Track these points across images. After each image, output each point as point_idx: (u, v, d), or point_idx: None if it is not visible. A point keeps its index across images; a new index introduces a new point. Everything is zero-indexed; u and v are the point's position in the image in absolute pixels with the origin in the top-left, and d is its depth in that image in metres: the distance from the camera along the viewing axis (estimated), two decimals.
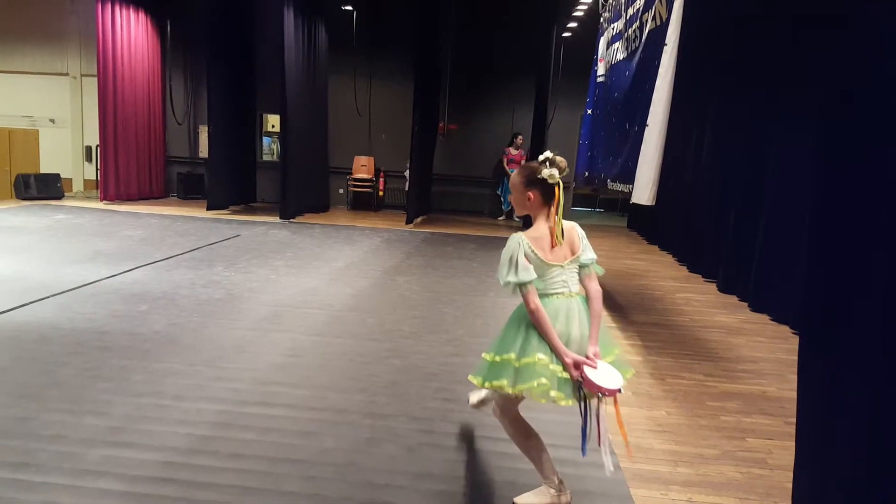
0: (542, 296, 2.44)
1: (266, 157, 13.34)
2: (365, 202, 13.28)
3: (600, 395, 2.37)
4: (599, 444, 2.45)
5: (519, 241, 2.43)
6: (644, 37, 5.09)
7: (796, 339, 5.26)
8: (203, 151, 13.06)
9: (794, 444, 3.30)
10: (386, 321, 5.22)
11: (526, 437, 2.71)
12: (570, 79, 11.65)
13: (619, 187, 5.69)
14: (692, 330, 5.61)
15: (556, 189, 2.47)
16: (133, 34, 12.04)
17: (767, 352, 5.07)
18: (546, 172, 2.44)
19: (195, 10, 11.98)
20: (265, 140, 13.61)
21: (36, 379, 3.62)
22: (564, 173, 2.49)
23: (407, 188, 12.03)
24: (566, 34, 11.33)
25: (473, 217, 13.01)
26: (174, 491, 2.58)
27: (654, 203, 4.56)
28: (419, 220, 11.70)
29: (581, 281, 2.56)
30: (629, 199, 5.08)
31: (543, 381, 2.34)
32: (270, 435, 3.11)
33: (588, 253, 2.55)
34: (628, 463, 3.05)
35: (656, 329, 5.53)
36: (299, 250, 8.28)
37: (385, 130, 13.32)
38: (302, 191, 11.48)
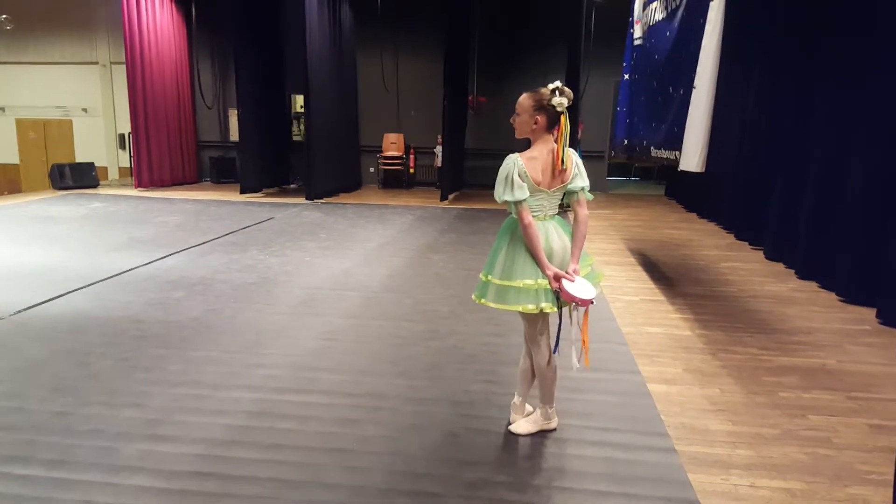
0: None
1: (297, 139, 13.26)
2: (396, 180, 13.15)
3: (575, 304, 2.67)
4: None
5: (514, 161, 2.62)
6: None
7: (851, 308, 5.08)
8: (234, 135, 13.06)
9: (860, 421, 3.10)
10: (422, 301, 5.09)
11: (549, 363, 2.86)
12: (603, 45, 11.23)
13: (665, 154, 5.41)
14: (742, 301, 5.36)
15: (562, 117, 2.62)
16: (158, 20, 12.01)
17: (822, 322, 4.80)
18: (556, 100, 2.60)
19: None
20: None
21: (73, 371, 3.60)
22: (570, 104, 2.63)
23: (439, 164, 11.84)
24: None
25: None
26: (213, 486, 2.50)
27: (703, 170, 4.30)
28: (452, 196, 11.52)
29: (571, 205, 2.76)
30: (675, 166, 4.81)
31: (530, 306, 2.63)
32: (309, 423, 3.02)
33: (579, 181, 2.72)
34: (685, 446, 2.88)
35: (704, 301, 5.30)
36: (332, 231, 8.20)
37: (413, 106, 13.10)
38: (332, 170, 11.39)
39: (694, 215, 10.22)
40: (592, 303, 2.65)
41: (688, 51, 4.44)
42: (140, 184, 12.00)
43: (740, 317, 4.90)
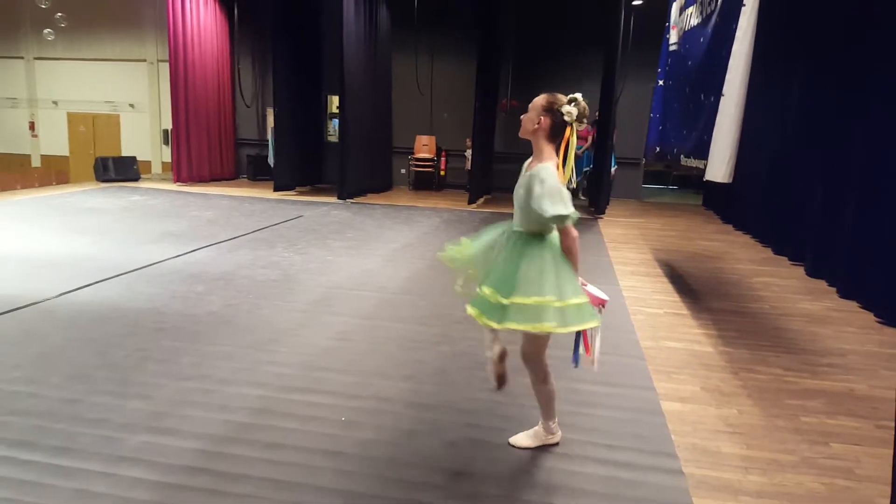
0: (548, 235, 2.63)
1: (332, 139, 13.39)
2: (426, 182, 13.15)
3: (600, 306, 2.67)
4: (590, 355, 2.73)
5: (553, 173, 2.51)
6: None
7: (889, 331, 4.83)
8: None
9: (889, 452, 2.93)
10: (438, 305, 5.06)
11: (546, 381, 2.80)
12: (641, 49, 11.02)
13: (694, 163, 5.27)
14: (772, 318, 5.16)
15: (568, 129, 2.55)
16: (202, 19, 12.28)
17: (857, 344, 4.59)
18: (566, 108, 2.53)
19: None
20: (334, 122, 13.66)
21: (89, 360, 3.67)
22: (583, 125, 2.57)
23: (468, 167, 11.80)
24: (636, 2, 10.69)
25: None
26: (206, 482, 2.51)
27: (730, 180, 4.16)
28: (481, 199, 11.46)
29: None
30: (703, 175, 4.67)
31: (594, 322, 2.57)
32: (311, 424, 3.01)
33: None
34: (693, 468, 2.77)
35: (732, 317, 5.12)
36: (358, 231, 8.23)
37: (446, 109, 13.08)
38: (364, 171, 11.45)
39: (730, 227, 9.93)
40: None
41: (719, 57, 4.30)
42: (179, 179, 12.27)
43: (768, 335, 4.72)
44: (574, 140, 2.58)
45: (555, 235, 2.64)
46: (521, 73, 12.81)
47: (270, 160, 12.96)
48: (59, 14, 12.15)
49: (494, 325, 2.55)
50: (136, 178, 12.57)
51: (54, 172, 13.52)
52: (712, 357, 4.19)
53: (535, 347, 2.72)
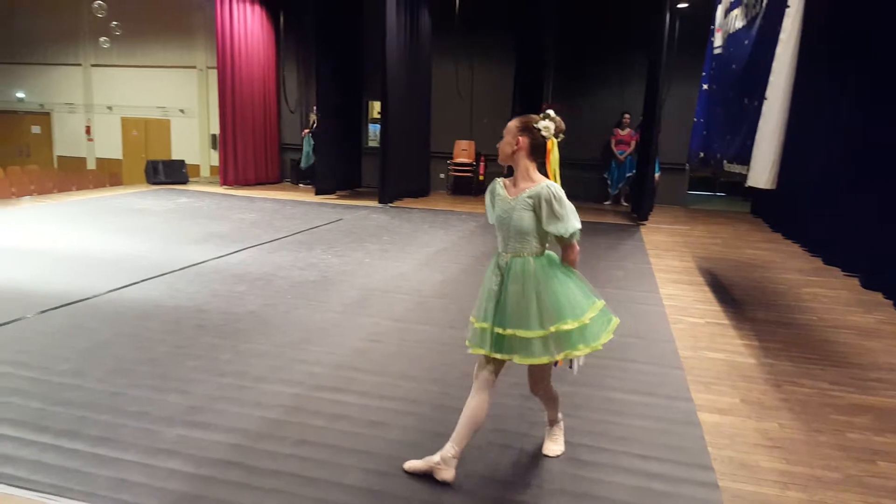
0: (551, 253, 2.61)
1: (372, 144, 13.54)
2: (465, 187, 13.15)
3: None
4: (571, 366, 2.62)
5: (562, 190, 2.49)
6: (766, 0, 4.50)
7: None
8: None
9: None
10: (469, 309, 4.98)
11: (556, 398, 2.84)
12: (686, 53, 10.81)
13: (737, 169, 5.13)
14: (819, 330, 4.98)
15: (548, 144, 2.50)
16: (249, 27, 12.58)
17: None
18: (542, 124, 2.49)
19: (307, 1, 12.30)
20: (372, 127, 13.81)
21: (132, 354, 3.80)
22: (560, 138, 2.52)
23: (506, 172, 11.74)
24: (682, 4, 10.49)
25: (576, 201, 12.27)
26: (238, 476, 2.56)
27: (773, 186, 4.03)
28: None
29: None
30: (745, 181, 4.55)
31: (613, 323, 2.58)
32: (339, 423, 3.04)
33: None
34: (729, 482, 2.69)
35: (776, 328, 4.96)
36: (395, 235, 8.29)
37: (486, 113, 13.06)
38: (402, 175, 11.52)
39: (779, 235, 9.62)
40: None
41: (764, 61, 4.18)
42: (225, 182, 12.58)
43: (814, 347, 4.55)
44: (556, 154, 2.51)
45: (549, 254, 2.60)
46: (562, 78, 12.70)
47: (303, 163, 13.16)
48: (115, 23, 12.64)
49: (537, 361, 2.49)
50: (184, 181, 12.94)
51: (108, 175, 14.05)
52: (754, 369, 4.06)
53: (544, 370, 2.69)
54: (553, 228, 2.46)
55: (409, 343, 4.21)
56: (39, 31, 15.33)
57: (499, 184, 2.61)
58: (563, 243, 2.55)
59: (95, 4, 12.08)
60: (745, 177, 4.74)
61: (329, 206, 10.79)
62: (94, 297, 4.92)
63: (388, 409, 3.20)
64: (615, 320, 2.60)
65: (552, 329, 2.44)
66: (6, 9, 14.81)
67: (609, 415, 3.24)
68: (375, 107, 13.16)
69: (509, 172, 2.63)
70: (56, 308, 4.59)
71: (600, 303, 2.58)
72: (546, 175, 2.55)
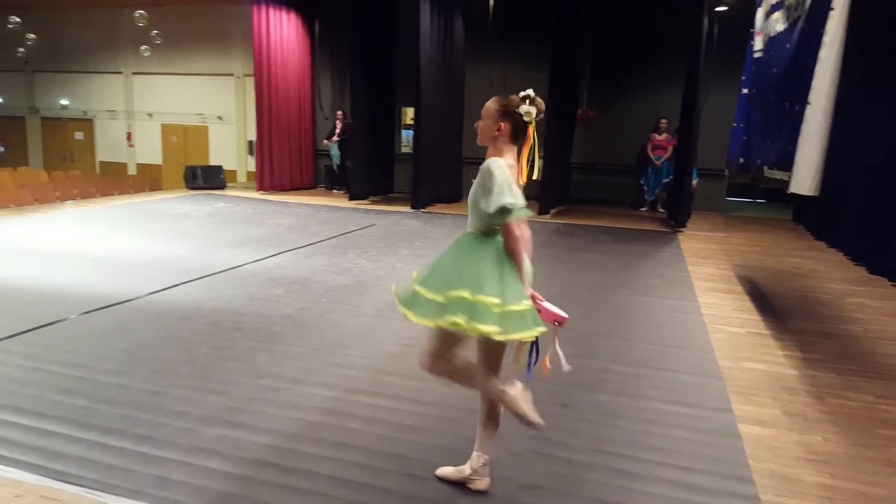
0: (485, 235, 2.41)
1: (405, 149, 13.62)
2: None
3: (556, 322, 2.44)
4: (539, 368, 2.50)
5: (503, 166, 2.31)
6: (808, 3, 4.40)
7: None
8: None
9: None
10: None
11: (472, 374, 2.49)
12: (725, 57, 10.62)
13: (778, 175, 5.02)
14: (865, 341, 4.83)
15: (529, 128, 2.41)
16: (285, 35, 12.78)
17: None
18: (524, 109, 2.39)
19: (341, 8, 12.46)
20: (405, 133, 13.88)
21: (173, 355, 3.88)
22: (540, 117, 2.42)
23: (540, 178, 11.67)
24: (721, 8, 10.33)
25: (612, 208, 12.35)
26: (275, 476, 2.60)
27: (816, 193, 3.94)
28: (554, 210, 11.33)
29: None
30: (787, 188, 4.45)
31: (541, 328, 2.33)
32: (375, 426, 3.06)
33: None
34: (771, 496, 2.63)
35: (819, 339, 4.83)
36: (428, 240, 8.31)
37: None
38: (435, 181, 11.55)
39: (822, 244, 9.31)
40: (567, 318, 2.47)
41: (806, 64, 4.09)
42: (261, 187, 12.78)
43: (860, 359, 4.41)
44: (536, 139, 2.43)
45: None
46: (598, 82, 12.62)
47: (335, 165, 13.28)
48: (155, 31, 13.00)
49: (427, 322, 2.32)
50: (222, 187, 13.19)
51: (148, 180, 14.39)
52: (796, 380, 3.96)
53: (489, 358, 2.51)
54: (482, 204, 2.30)
55: None
56: (83, 41, 15.84)
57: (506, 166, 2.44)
58: (494, 222, 2.34)
59: (137, 14, 12.44)
60: (786, 183, 4.63)
61: (362, 211, 10.88)
62: (136, 298, 5.04)
63: (423, 414, 3.20)
64: (537, 329, 2.32)
65: (448, 294, 2.28)
66: (51, 20, 15.33)
67: (647, 425, 3.20)
68: (408, 113, 13.24)
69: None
70: (99, 309, 4.72)
71: (523, 307, 2.31)
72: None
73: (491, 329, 2.21)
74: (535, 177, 2.43)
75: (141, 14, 12.49)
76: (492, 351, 2.49)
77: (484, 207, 2.29)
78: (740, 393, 3.70)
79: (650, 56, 11.95)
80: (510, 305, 2.26)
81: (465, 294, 2.25)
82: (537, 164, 2.48)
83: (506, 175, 2.29)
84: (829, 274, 7.28)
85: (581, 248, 8.18)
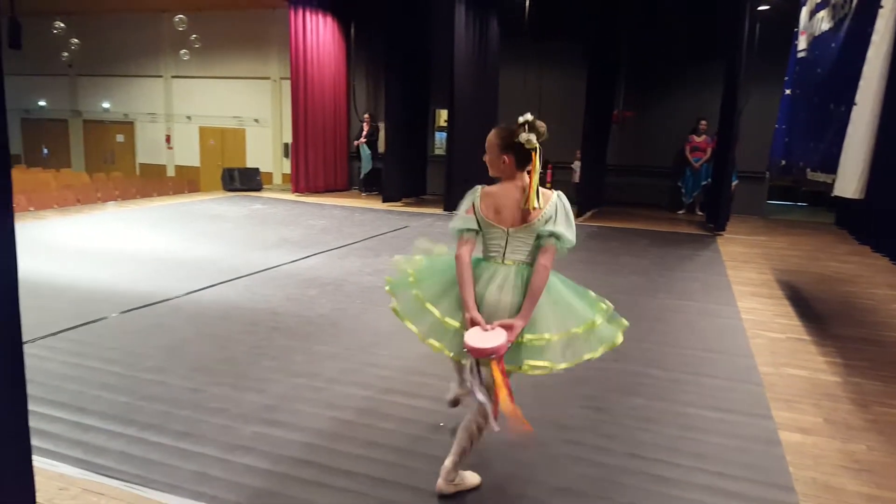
0: (480, 259, 2.48)
1: (438, 152, 13.65)
2: None
3: (490, 356, 2.23)
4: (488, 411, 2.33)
5: (474, 192, 2.49)
6: (855, 1, 4.27)
7: None
8: (382, 147, 13.69)
9: None
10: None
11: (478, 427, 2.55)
12: (766, 57, 10.40)
13: (821, 178, 4.89)
14: None
15: (533, 154, 2.38)
16: (321, 38, 12.94)
17: None
18: (524, 137, 2.36)
19: (377, 11, 12.56)
20: (438, 135, 13.92)
21: (212, 353, 3.96)
22: (543, 138, 2.40)
23: (576, 180, 11.59)
24: (762, 7, 10.11)
25: (649, 210, 12.18)
26: (311, 474, 2.63)
27: (862, 196, 3.82)
28: (590, 213, 11.23)
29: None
30: (831, 191, 4.33)
31: (436, 343, 2.44)
32: (409, 426, 3.08)
33: (550, 225, 2.37)
34: None
35: (863, 345, 4.69)
36: None
37: (555, 120, 12.88)
38: (468, 183, 11.42)
39: (867, 248, 9.03)
40: (492, 355, 2.21)
41: (853, 65, 3.97)
42: (297, 189, 12.96)
43: None
44: (538, 162, 2.40)
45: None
46: (634, 83, 12.47)
47: (364, 169, 13.32)
48: (194, 36, 13.29)
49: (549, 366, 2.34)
50: (258, 188, 13.42)
51: (186, 182, 14.71)
52: (839, 387, 3.85)
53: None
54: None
55: None
56: (124, 46, 16.27)
57: (478, 193, 2.51)
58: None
59: (176, 18, 12.74)
60: (830, 186, 4.51)
61: (395, 213, 10.95)
62: (175, 297, 5.15)
63: (457, 415, 3.19)
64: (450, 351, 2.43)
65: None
66: (94, 25, 15.79)
67: (685, 430, 3.14)
68: (442, 115, 13.27)
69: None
70: (139, 308, 4.84)
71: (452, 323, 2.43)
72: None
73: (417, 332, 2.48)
74: (533, 203, 2.36)
75: (180, 19, 12.78)
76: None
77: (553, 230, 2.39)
78: (781, 399, 3.62)
79: (689, 56, 11.76)
80: (445, 317, 2.43)
81: (415, 291, 2.55)
82: (535, 190, 2.41)
83: (465, 199, 2.50)
84: (873, 279, 7.06)
85: (617, 251, 8.08)
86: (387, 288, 2.71)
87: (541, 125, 2.40)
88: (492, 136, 2.47)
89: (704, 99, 11.59)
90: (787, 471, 2.81)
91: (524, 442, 2.95)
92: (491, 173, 2.52)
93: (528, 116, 2.41)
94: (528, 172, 2.42)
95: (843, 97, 4.28)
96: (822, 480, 2.75)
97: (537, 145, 2.39)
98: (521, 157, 2.41)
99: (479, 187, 2.49)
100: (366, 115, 13.21)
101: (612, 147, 12.41)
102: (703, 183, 11.56)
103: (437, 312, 2.45)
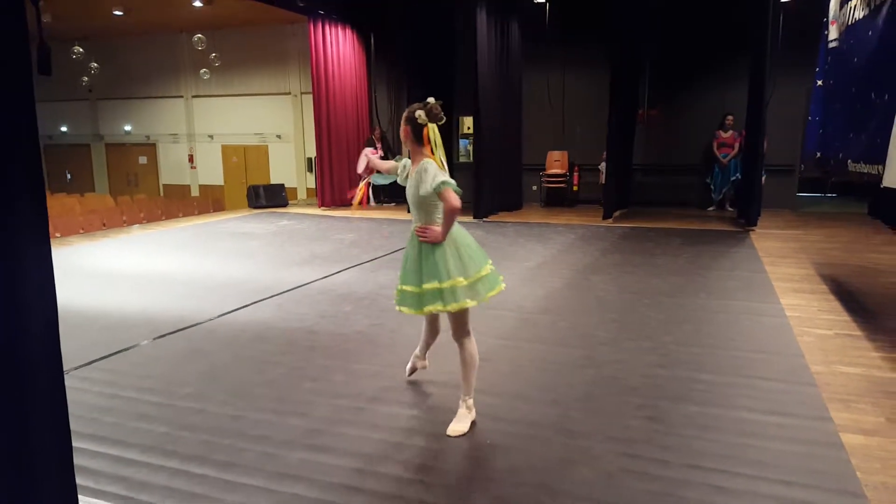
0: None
1: (462, 159, 13.60)
2: (559, 198, 12.93)
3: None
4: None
5: (434, 163, 3.05)
6: None
7: None
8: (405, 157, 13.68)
9: None
10: (579, 325, 4.90)
11: (473, 362, 3.19)
12: (792, 49, 10.18)
13: (865, 169, 4.73)
14: None
15: (425, 129, 3.02)
16: (342, 52, 12.96)
17: None
18: (417, 112, 3.02)
19: (396, 22, 12.56)
20: (462, 142, 13.86)
21: (250, 377, 3.92)
22: (440, 121, 3.06)
23: (603, 181, 11.45)
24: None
25: (678, 209, 11.97)
26: (363, 501, 2.56)
27: None
28: (617, 214, 11.08)
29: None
30: (877, 181, 4.17)
31: (500, 286, 3.24)
32: (460, 445, 3.00)
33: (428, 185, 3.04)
34: None
35: None
36: (491, 249, 8.22)
37: (579, 122, 12.81)
38: (495, 189, 11.48)
39: None
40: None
41: (895, 51, 3.82)
42: (323, 203, 12.96)
43: None
44: (435, 136, 3.03)
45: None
46: (659, 81, 12.30)
47: (383, 182, 13.21)
48: (214, 54, 13.42)
49: (415, 312, 3.08)
50: (284, 204, 13.46)
51: (211, 201, 14.84)
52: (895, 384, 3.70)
53: (458, 323, 3.12)
54: (426, 189, 2.98)
55: (520, 362, 4.12)
56: (144, 67, 16.48)
57: (402, 162, 3.28)
58: (441, 197, 2.98)
59: (195, 38, 12.87)
60: (875, 177, 4.35)
61: None
62: (208, 320, 5.13)
63: (508, 433, 3.12)
64: (500, 286, 3.22)
65: (423, 287, 3.03)
66: (113, 48, 16.01)
67: (742, 437, 3.03)
68: (466, 122, 13.21)
69: None
70: (172, 333, 4.80)
71: (484, 272, 3.12)
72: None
73: (465, 303, 2.99)
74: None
75: (199, 38, 12.92)
76: (461, 314, 3.10)
77: (432, 189, 2.94)
78: (837, 399, 3.48)
79: (713, 51, 11.57)
80: (474, 275, 3.03)
81: (436, 284, 2.98)
82: (444, 158, 3.09)
83: (434, 166, 3.02)
84: None
85: (652, 251, 7.93)
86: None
87: (434, 108, 3.02)
88: (404, 112, 3.11)
89: (730, 94, 11.40)
90: (854, 476, 2.69)
91: (577, 458, 2.86)
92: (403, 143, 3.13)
93: (430, 100, 3.06)
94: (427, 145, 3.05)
95: (886, 86, 4.13)
96: (894, 484, 2.62)
97: (426, 121, 3.01)
98: (416, 131, 3.05)
99: (429, 161, 3.04)
100: (376, 131, 13.18)
101: (639, 146, 12.24)
102: (732, 179, 11.36)
103: (399, 285, 3.14)
